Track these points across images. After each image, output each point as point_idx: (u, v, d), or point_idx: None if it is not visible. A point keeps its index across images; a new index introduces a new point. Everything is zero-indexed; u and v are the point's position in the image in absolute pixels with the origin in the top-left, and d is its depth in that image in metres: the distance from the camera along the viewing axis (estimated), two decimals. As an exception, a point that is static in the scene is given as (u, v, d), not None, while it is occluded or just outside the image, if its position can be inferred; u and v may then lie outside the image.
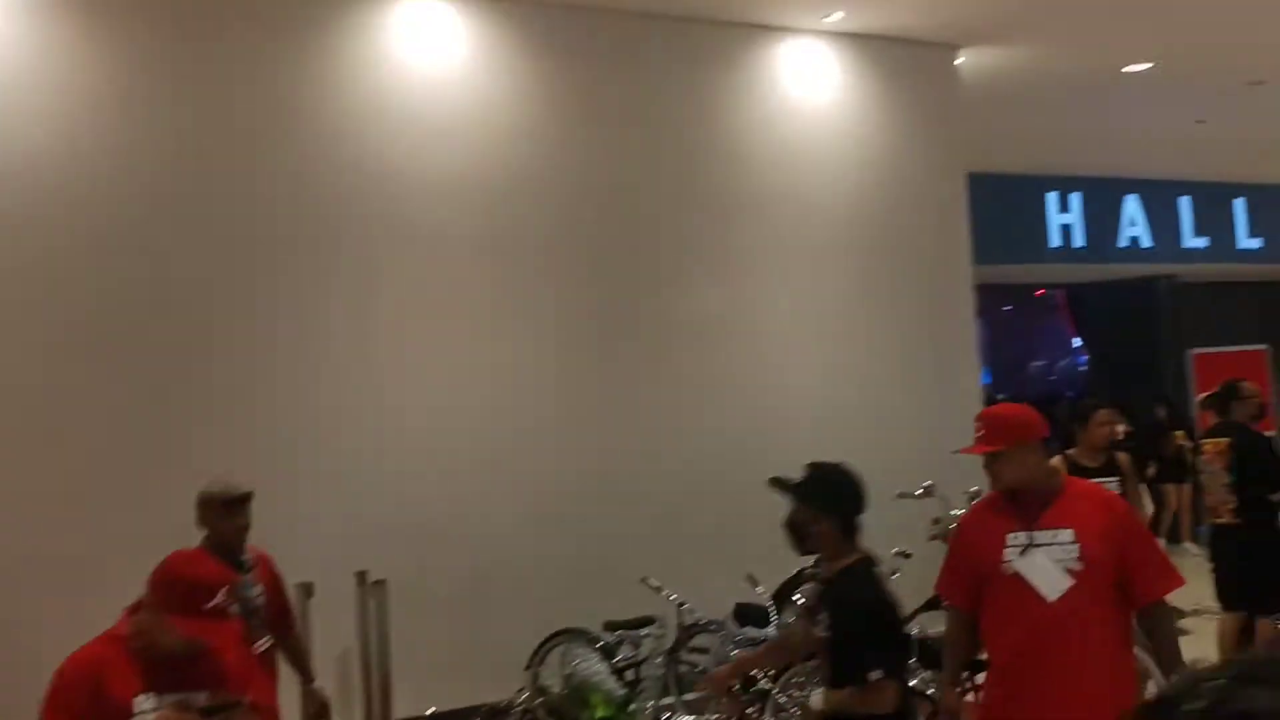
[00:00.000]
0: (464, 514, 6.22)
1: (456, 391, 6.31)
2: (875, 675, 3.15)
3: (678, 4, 6.84)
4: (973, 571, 3.51)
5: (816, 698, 3.32)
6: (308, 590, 5.33)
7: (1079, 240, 10.36)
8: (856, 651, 3.19)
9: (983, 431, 3.42)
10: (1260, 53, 8.65)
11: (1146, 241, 10.79)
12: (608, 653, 5.40)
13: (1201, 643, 6.61)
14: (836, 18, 7.22)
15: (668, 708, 5.67)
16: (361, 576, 5.65)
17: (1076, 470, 5.83)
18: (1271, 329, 13.38)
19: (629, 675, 5.65)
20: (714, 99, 7.14)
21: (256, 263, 5.92)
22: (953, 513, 5.76)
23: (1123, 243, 10.66)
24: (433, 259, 6.31)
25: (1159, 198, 10.87)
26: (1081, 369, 15.85)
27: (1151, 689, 5.10)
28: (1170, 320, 11.72)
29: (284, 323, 5.95)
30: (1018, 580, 3.33)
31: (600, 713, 5.34)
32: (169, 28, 5.85)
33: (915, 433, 7.02)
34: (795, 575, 5.57)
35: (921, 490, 5.20)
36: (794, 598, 5.93)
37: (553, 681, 5.85)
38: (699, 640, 5.80)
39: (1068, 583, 3.26)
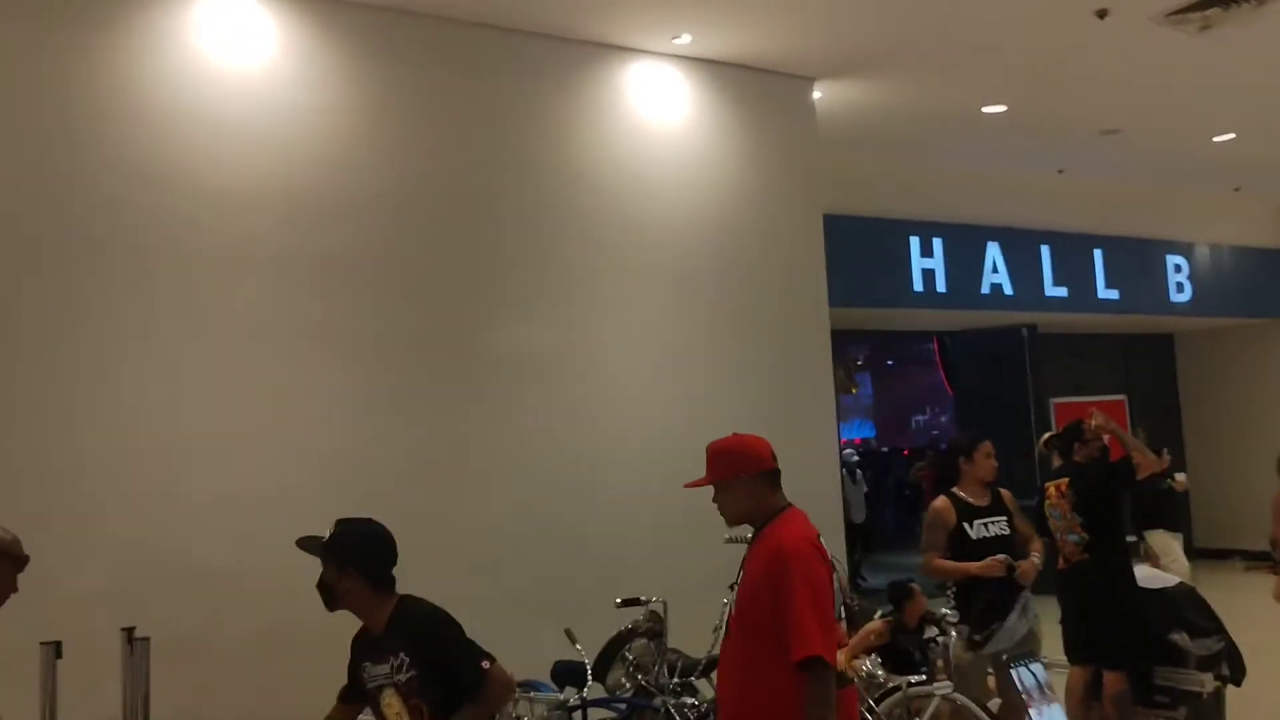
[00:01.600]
0: (260, 563, 5.58)
1: (256, 425, 5.69)
2: (488, 664, 3.14)
3: (517, 16, 6.44)
4: None
5: None
6: (56, 650, 4.62)
7: (942, 286, 10.27)
8: (454, 660, 3.12)
9: (707, 464, 3.29)
10: (1112, 101, 8.71)
11: (1009, 289, 10.78)
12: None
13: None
14: (684, 41, 6.92)
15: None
16: (128, 634, 4.97)
17: (965, 509, 5.44)
18: (1130, 379, 13.60)
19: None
20: (556, 118, 6.74)
21: (9, 277, 5.25)
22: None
23: (985, 289, 10.62)
24: (230, 278, 5.70)
25: (1020, 246, 10.89)
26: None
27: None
28: (1033, 369, 11.73)
29: (45, 342, 5.28)
30: None
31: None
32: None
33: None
34: (615, 636, 5.08)
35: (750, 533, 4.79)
36: (624, 653, 5.44)
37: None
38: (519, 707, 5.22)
39: (725, 627, 3.27)
